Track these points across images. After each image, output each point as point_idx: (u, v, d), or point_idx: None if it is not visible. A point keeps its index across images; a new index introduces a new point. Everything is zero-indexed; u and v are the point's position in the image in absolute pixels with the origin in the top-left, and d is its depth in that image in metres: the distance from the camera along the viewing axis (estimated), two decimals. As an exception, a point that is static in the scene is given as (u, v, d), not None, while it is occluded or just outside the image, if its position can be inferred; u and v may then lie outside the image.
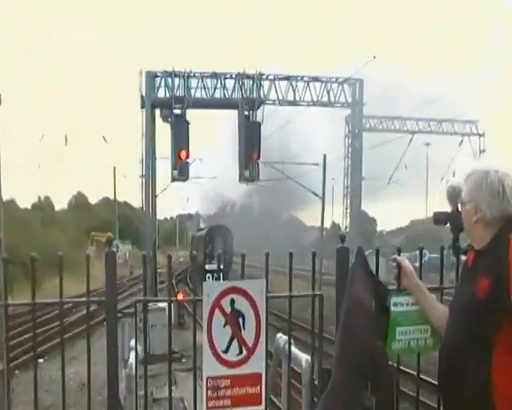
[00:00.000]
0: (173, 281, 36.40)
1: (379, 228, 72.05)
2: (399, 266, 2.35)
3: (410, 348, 2.39)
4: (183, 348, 14.12)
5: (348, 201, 24.16)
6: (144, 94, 18.56)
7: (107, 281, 1.94)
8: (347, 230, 24.39)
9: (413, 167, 28.76)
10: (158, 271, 20.45)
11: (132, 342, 2.23)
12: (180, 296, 16.72)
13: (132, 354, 2.23)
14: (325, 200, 27.59)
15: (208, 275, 17.43)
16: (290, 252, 2.36)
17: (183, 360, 13.24)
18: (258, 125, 18.28)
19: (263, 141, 18.57)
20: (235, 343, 2.23)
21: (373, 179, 26.97)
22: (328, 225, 46.48)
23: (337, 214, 69.40)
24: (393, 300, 2.36)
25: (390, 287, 2.40)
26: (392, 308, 2.35)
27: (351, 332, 2.15)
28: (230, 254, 40.42)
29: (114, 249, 2.01)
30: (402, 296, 2.37)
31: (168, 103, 18.11)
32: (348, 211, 24.26)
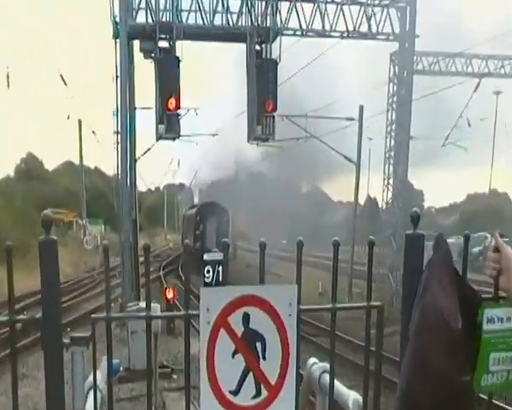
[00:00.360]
0: (161, 273, 37.10)
1: (426, 204, 72.03)
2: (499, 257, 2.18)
3: (508, 384, 2.24)
4: (173, 361, 14.23)
5: (390, 168, 23.89)
6: (118, 19, 18.31)
7: (43, 289, 1.66)
8: (388, 206, 24.21)
9: (478, 124, 28.36)
10: (140, 260, 20.52)
11: (91, 379, 1.96)
12: (170, 294, 16.71)
13: (91, 400, 1.96)
14: (360, 166, 27.61)
15: (207, 268, 17.03)
16: (335, 241, 2.11)
17: (174, 377, 13.38)
18: (274, 64, 17.99)
19: (280, 86, 18.32)
20: (250, 380, 2.01)
21: (424, 140, 26.62)
22: (361, 200, 46.32)
23: (373, 186, 69.49)
24: (487, 313, 2.20)
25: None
26: (485, 326, 2.20)
27: (424, 361, 2.03)
28: (225, 237, 43.48)
29: (54, 237, 1.72)
30: (500, 308, 2.22)
31: (151, 32, 17.84)
32: (390, 181, 24.01)
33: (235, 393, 2.00)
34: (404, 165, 23.15)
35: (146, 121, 20.92)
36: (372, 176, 50.15)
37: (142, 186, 75.24)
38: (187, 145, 39.81)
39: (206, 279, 14.86)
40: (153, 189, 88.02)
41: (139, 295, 18.80)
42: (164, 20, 18.12)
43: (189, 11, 18.63)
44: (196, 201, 56.64)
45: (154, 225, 78.44)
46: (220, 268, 16.73)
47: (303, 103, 25.95)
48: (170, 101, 17.31)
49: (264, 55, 18.20)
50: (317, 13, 20.03)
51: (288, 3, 19.63)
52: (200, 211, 43.16)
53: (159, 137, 19.11)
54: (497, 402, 9.77)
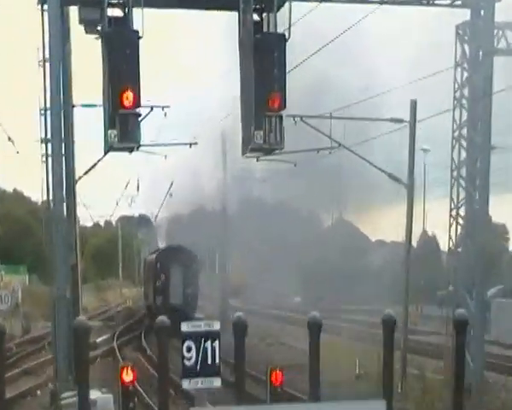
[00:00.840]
0: (115, 343, 37.52)
1: (513, 244, 72.29)
2: None
3: None
4: None
5: (460, 192, 23.76)
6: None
7: None
8: (457, 248, 24.01)
9: None
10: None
11: None
12: (128, 375, 16.23)
13: None
14: (413, 190, 27.21)
15: (188, 344, 16.12)
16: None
17: None
18: (282, 40, 17.90)
19: (290, 73, 18.38)
20: None
21: (509, 152, 26.47)
22: (413, 239, 46.78)
23: (431, 219, 69.17)
24: None
25: None
26: None
27: None
28: (194, 290, 47.12)
29: None
30: None
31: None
32: (461, 212, 23.86)
33: None
34: (483, 188, 22.87)
35: (90, 125, 20.88)
36: (429, 204, 49.89)
37: (85, 219, 74.96)
38: (150, 160, 39.64)
39: (185, 362, 14.29)
40: (101, 223, 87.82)
41: (87, 378, 18.48)
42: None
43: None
44: (162, 241, 57.83)
45: (104, 275, 77.55)
46: (209, 345, 15.96)
47: (325, 98, 25.94)
48: (125, 95, 17.13)
49: (266, 29, 18.10)
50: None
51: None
52: (161, 257, 47.21)
53: (109, 148, 18.91)
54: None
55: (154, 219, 66.82)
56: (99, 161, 23.64)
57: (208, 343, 14.94)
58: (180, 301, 46.01)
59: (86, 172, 23.98)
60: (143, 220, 72.85)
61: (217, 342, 14.12)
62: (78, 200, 21.58)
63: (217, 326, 14.21)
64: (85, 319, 13.18)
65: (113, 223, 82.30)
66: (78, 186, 21.41)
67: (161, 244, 59.11)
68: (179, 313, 42.93)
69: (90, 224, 77.48)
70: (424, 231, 61.15)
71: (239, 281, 59.19)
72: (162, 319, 13.10)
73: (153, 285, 46.20)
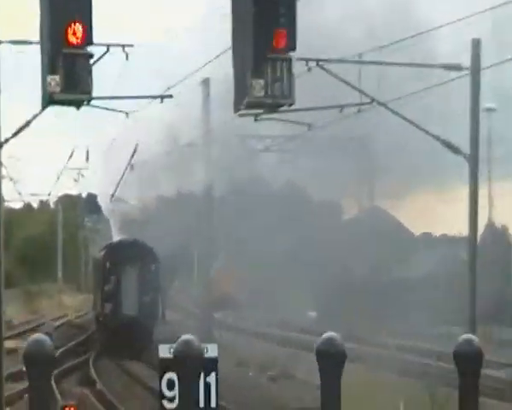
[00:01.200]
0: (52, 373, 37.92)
1: None
2: None
3: None
4: None
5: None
6: None
7: None
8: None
9: None
10: (7, 346, 20.67)
11: None
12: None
13: None
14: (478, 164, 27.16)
15: (168, 376, 16.10)
16: None
17: None
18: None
19: (302, 3, 18.33)
20: None
21: None
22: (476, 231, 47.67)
23: (501, 204, 69.30)
24: None
25: None
26: None
27: None
28: (154, 298, 48.00)
29: None
30: None
31: None
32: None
33: None
34: None
35: (23, 68, 21.01)
36: (497, 184, 50.06)
37: (13, 198, 74.90)
38: (105, 118, 39.83)
39: (165, 404, 13.92)
40: (35, 204, 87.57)
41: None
42: None
43: None
44: (119, 231, 58.58)
45: (37, 277, 77.36)
46: (202, 379, 15.41)
47: (351, 36, 26.07)
48: (71, 28, 17.24)
49: None
50: None
51: None
52: (110, 254, 50.18)
53: (49, 100, 19.07)
54: None
55: (108, 200, 66.60)
56: (34, 118, 23.69)
57: (200, 377, 14.11)
58: (135, 310, 48.09)
59: (15, 134, 24.03)
60: (94, 202, 72.31)
61: (213, 374, 13.36)
62: (3, 172, 21.67)
63: (213, 351, 13.59)
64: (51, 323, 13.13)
65: (52, 204, 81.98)
66: (3, 153, 21.50)
67: (117, 237, 59.54)
68: (133, 327, 43.71)
69: (18, 205, 77.36)
70: (490, 222, 60.90)
71: (229, 288, 59.38)
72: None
73: (101, 291, 48.41)
